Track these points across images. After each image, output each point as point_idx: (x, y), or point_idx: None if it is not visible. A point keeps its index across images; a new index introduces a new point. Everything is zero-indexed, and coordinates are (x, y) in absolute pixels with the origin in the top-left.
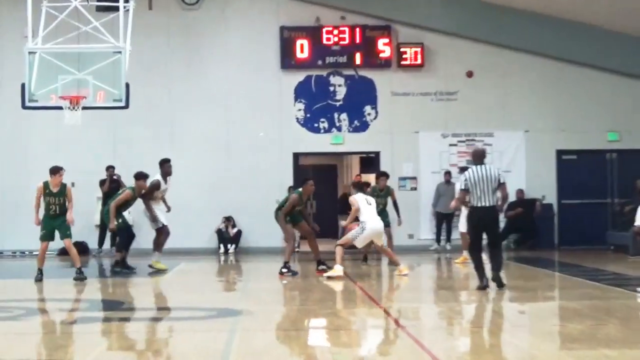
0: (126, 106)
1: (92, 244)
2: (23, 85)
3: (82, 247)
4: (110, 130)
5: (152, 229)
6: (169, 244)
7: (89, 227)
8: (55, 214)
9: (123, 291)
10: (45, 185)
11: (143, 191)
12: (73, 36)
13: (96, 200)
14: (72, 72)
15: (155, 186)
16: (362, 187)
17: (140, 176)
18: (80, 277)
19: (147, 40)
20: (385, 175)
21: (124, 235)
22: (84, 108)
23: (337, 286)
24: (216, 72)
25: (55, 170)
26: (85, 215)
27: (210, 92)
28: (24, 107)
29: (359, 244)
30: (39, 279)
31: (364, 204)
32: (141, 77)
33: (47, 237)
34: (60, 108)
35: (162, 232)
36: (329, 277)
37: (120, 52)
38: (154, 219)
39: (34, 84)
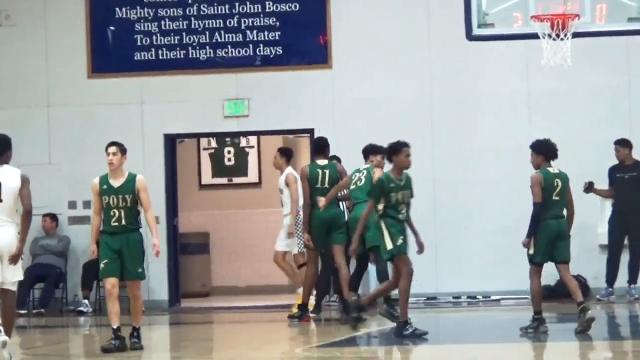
0: None
1: None
2: (467, 3)
3: None
4: (622, 71)
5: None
6: None
7: None
8: None
9: None
10: None
11: None
12: None
13: None
14: None
15: None
16: None
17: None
18: None
19: None
20: None
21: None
22: (575, 35)
23: None
24: None
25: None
26: None
27: None
28: (469, 37)
29: None
30: None
31: None
32: None
33: None
34: (534, 37)
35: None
36: None
37: None
38: None
39: None
